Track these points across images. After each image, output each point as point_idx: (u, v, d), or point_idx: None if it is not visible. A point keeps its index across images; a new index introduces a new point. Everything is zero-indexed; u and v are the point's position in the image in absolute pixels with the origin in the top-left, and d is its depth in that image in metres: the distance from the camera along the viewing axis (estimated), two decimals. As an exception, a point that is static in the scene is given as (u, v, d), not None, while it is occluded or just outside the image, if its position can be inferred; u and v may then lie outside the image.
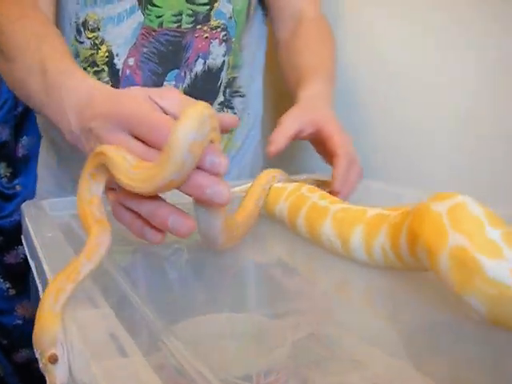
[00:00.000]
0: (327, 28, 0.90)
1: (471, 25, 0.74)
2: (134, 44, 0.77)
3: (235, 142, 0.93)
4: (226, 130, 0.49)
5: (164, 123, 0.41)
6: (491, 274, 0.29)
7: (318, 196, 0.51)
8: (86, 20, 0.75)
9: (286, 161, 1.12)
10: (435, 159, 0.82)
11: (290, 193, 0.54)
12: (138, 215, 0.41)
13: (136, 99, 0.45)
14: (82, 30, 0.75)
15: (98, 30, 0.75)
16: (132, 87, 0.50)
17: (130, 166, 0.37)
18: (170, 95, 0.48)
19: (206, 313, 0.38)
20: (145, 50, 0.77)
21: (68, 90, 0.51)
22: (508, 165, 0.71)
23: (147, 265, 0.51)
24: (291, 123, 0.66)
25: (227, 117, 0.59)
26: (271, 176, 0.60)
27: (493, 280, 0.29)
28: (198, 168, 0.38)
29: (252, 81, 0.91)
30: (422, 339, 0.33)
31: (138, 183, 0.36)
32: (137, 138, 0.42)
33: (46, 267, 0.37)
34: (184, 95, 0.49)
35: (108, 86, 0.54)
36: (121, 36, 0.76)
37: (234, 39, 0.83)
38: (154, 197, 0.40)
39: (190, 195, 0.40)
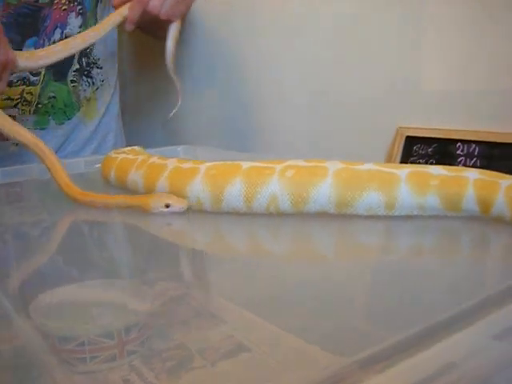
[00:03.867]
0: None
1: None
2: None
3: (98, 110, 0.95)
4: None
5: None
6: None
7: (175, 161, 0.54)
8: None
9: (144, 139, 1.14)
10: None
11: (140, 163, 0.57)
12: None
13: None
14: None
15: None
16: None
17: None
18: None
19: (76, 281, 0.39)
20: (4, 20, 0.79)
21: None
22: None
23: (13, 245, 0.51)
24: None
25: None
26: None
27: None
28: None
29: (108, 55, 0.94)
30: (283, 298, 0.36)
31: None
32: None
33: None
34: None
35: None
36: None
37: (88, 13, 0.87)
38: None
39: None
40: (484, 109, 0.65)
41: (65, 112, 0.90)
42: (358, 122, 0.76)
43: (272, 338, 0.30)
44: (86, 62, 0.90)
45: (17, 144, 0.85)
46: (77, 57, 0.88)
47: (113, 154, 0.65)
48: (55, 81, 0.87)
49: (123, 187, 0.60)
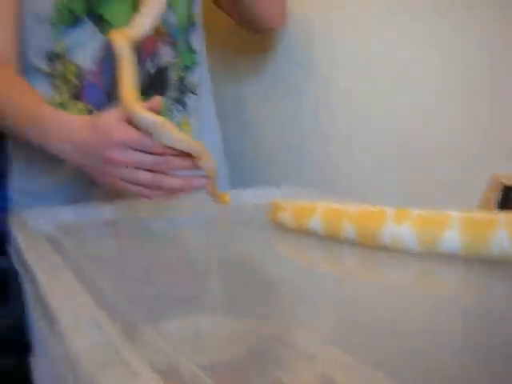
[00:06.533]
0: None
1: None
2: (98, 57, 0.84)
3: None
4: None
5: None
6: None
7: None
8: (54, 50, 0.83)
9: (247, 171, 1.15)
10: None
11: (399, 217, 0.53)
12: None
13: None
14: (55, 58, 0.83)
15: (68, 54, 0.84)
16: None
17: None
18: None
19: (190, 313, 0.42)
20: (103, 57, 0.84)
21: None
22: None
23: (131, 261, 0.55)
24: None
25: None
26: None
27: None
28: None
29: (204, 81, 0.98)
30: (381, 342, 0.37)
31: None
32: None
33: (39, 277, 0.41)
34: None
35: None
36: (87, 55, 0.84)
37: (178, 41, 0.91)
38: None
39: None
40: None
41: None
42: (450, 171, 0.73)
43: (366, 379, 0.32)
44: (180, 90, 0.93)
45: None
46: (172, 86, 0.91)
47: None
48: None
49: (371, 245, 0.55)
